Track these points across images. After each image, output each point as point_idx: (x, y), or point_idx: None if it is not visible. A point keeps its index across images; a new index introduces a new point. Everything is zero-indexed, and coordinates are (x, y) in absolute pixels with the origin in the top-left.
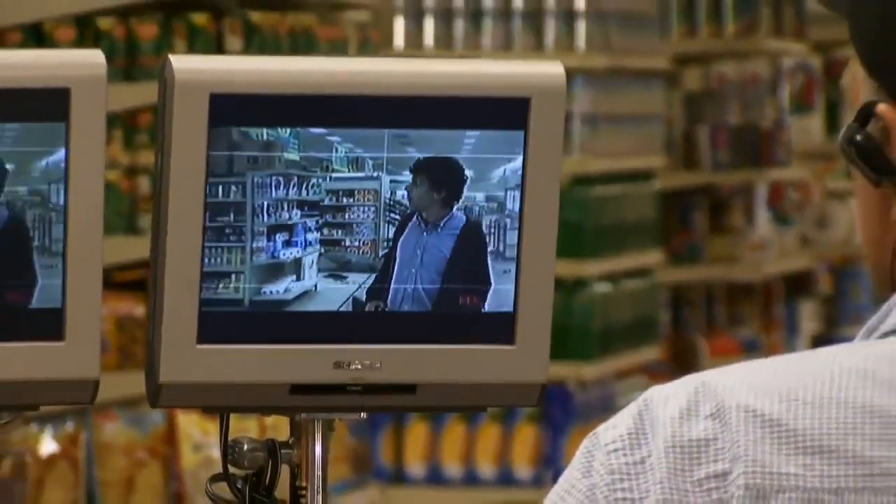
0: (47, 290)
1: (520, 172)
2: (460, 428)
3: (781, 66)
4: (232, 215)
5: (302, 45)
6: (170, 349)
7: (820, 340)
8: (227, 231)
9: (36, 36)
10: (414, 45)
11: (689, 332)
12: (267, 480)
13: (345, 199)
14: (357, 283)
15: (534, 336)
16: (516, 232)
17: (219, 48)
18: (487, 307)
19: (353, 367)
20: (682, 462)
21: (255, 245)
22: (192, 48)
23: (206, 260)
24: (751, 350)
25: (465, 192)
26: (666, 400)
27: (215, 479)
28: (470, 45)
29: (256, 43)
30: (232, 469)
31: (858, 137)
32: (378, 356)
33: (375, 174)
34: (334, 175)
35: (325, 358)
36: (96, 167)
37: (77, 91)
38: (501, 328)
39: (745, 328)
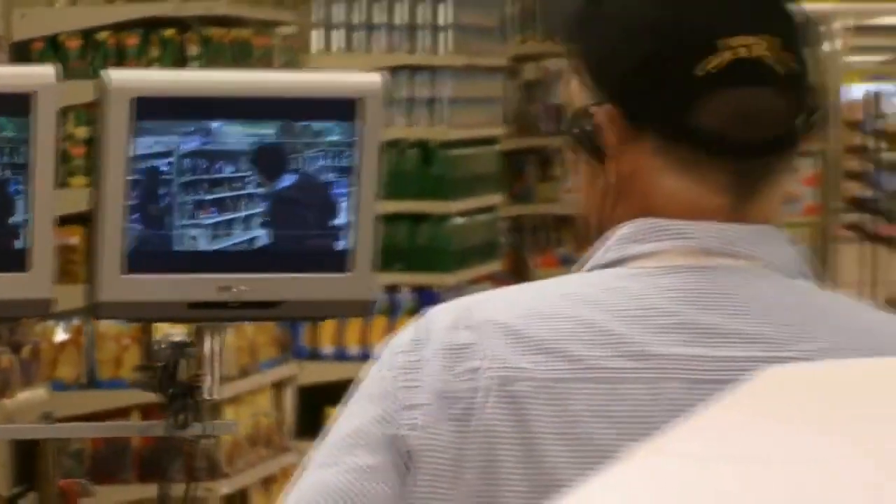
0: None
1: (355, 153)
2: (359, 321)
3: None
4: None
5: (240, 52)
6: (104, 277)
7: None
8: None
9: (53, 46)
10: (325, 51)
11: (522, 251)
12: (174, 370)
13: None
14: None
15: (363, 267)
16: (354, 191)
17: (181, 54)
18: (329, 246)
19: (234, 290)
20: (448, 361)
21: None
22: (163, 53)
23: (132, 213)
24: (567, 263)
25: (301, 166)
26: (439, 317)
27: (138, 368)
28: (365, 50)
29: (209, 50)
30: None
31: (576, 130)
32: (250, 282)
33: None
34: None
35: (213, 283)
36: (50, 148)
37: (40, 94)
38: (339, 261)
39: (563, 249)
